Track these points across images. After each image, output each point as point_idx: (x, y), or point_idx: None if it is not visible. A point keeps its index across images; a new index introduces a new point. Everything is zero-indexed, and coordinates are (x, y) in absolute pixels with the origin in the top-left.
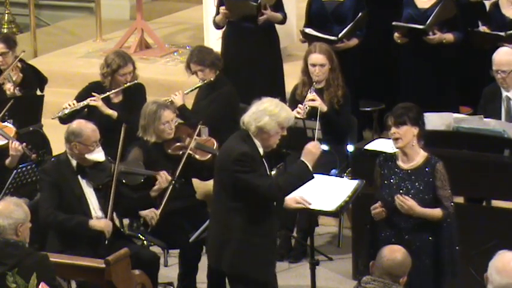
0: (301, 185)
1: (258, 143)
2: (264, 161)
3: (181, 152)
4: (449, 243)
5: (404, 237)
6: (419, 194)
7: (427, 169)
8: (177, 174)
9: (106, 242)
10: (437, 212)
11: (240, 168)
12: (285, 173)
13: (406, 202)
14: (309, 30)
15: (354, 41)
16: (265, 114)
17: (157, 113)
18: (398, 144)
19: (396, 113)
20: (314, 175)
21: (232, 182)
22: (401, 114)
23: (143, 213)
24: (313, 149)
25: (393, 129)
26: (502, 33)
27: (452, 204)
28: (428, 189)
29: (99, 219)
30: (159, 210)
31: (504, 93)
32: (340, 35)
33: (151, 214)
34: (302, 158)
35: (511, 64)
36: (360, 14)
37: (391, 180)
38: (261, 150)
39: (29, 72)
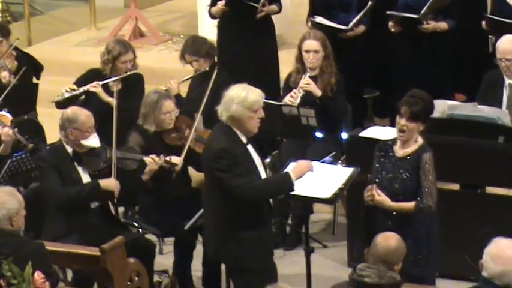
0: (278, 195)
1: (238, 131)
2: (250, 148)
3: (180, 143)
4: (417, 238)
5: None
6: (405, 181)
7: (415, 158)
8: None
9: (115, 201)
10: (409, 206)
11: (218, 166)
12: (266, 178)
13: (377, 197)
14: (319, 20)
15: (361, 28)
16: (233, 101)
17: (159, 103)
18: (402, 136)
19: (413, 105)
20: (294, 188)
21: (213, 178)
22: (418, 111)
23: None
24: (304, 168)
25: (403, 121)
26: None
27: (429, 199)
28: (413, 179)
29: (108, 179)
30: (182, 157)
31: (507, 81)
32: (350, 25)
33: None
34: (290, 171)
35: None
36: (370, 3)
37: (386, 166)
38: (243, 139)
39: (24, 60)
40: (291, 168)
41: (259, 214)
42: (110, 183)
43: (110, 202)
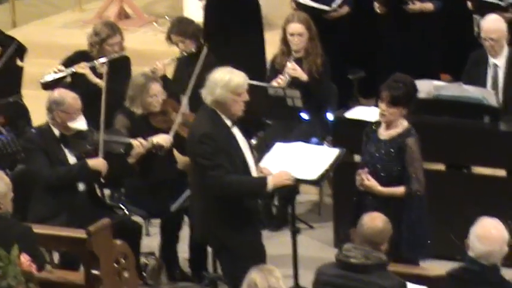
0: (248, 196)
1: (222, 114)
2: (235, 131)
3: (166, 126)
4: (409, 223)
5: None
6: (389, 164)
7: (399, 141)
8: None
9: (103, 181)
10: (399, 190)
11: (200, 152)
12: (244, 176)
13: (366, 182)
14: (303, 0)
15: (345, 9)
16: (216, 85)
17: (146, 86)
18: (382, 119)
19: (393, 90)
20: (267, 194)
21: (195, 161)
22: (398, 96)
23: (156, 138)
24: (284, 178)
25: (383, 107)
26: (502, 3)
27: (417, 184)
28: (397, 162)
29: (96, 159)
30: (171, 134)
31: (492, 60)
32: (334, 5)
33: (166, 139)
34: (269, 177)
35: (499, 31)
36: None
37: (371, 149)
38: (228, 122)
39: (7, 43)
40: (272, 176)
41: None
42: (98, 162)
43: (96, 185)
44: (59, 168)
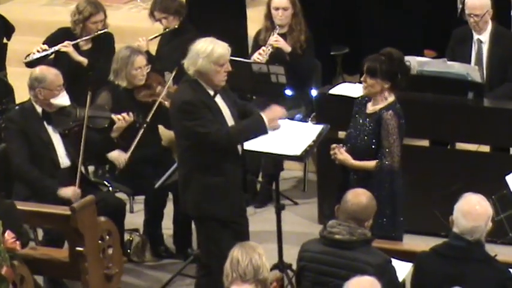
0: (253, 138)
1: (204, 84)
2: (218, 100)
3: (151, 99)
4: (380, 198)
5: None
6: (367, 138)
7: (378, 116)
8: (147, 120)
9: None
10: (371, 164)
11: (185, 116)
12: (239, 122)
13: (339, 156)
14: None
15: None
16: (199, 56)
17: (130, 58)
18: (364, 91)
19: (372, 61)
20: (268, 132)
21: (181, 129)
22: (375, 67)
23: (112, 155)
24: (277, 112)
25: (363, 77)
26: None
27: (390, 158)
28: (374, 136)
29: (67, 188)
30: (128, 153)
31: (476, 36)
32: None
33: (120, 158)
34: (263, 113)
35: (483, 8)
36: None
37: (357, 121)
38: (210, 92)
39: None
40: (265, 112)
41: (226, 164)
42: (67, 192)
43: (80, 161)
44: (35, 170)
